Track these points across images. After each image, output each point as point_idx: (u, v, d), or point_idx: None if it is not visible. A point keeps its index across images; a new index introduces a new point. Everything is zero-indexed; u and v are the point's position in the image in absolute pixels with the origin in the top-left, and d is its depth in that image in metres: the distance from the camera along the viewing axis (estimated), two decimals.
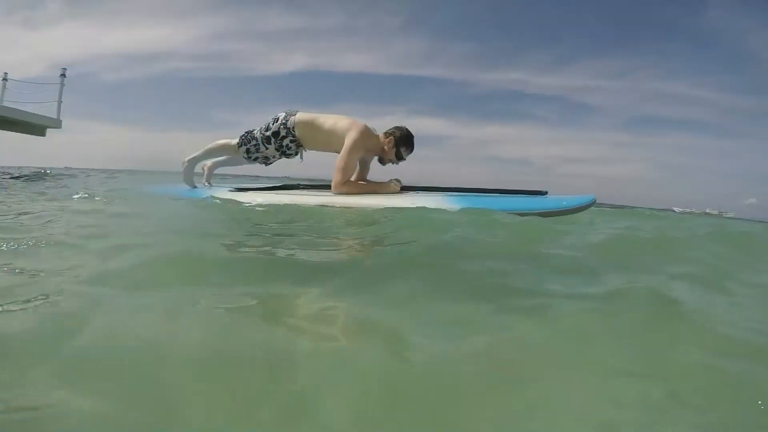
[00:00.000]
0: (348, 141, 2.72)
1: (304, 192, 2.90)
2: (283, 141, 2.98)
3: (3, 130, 10.34)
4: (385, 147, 2.85)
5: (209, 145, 3.24)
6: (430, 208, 2.37)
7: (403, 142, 2.85)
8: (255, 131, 3.06)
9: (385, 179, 2.92)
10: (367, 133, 2.81)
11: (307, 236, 1.80)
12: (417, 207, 2.41)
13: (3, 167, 11.12)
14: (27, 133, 10.80)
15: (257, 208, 2.64)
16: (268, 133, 2.99)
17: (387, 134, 2.87)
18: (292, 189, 2.97)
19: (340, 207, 2.56)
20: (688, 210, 36.40)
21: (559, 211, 2.29)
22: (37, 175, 7.30)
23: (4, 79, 10.42)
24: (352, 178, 2.93)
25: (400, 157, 2.88)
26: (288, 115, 2.97)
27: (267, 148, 3.03)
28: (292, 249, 1.46)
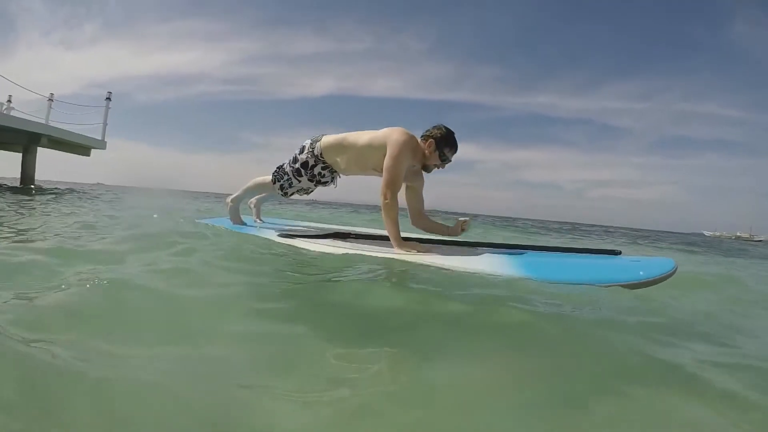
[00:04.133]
0: (393, 147, 2.40)
1: (358, 243, 2.57)
2: (314, 170, 2.76)
3: (52, 149, 10.89)
4: (426, 152, 2.54)
5: (247, 184, 3.17)
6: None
7: (445, 142, 2.53)
8: (285, 165, 2.86)
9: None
10: (411, 135, 2.50)
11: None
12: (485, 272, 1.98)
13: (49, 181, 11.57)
14: (73, 153, 11.33)
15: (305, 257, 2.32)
16: (296, 165, 2.77)
17: (425, 137, 2.55)
18: (343, 238, 2.68)
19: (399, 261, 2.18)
20: (718, 233, 35.25)
21: (637, 283, 1.88)
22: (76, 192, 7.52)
23: (50, 100, 11.05)
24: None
25: (444, 159, 2.58)
26: (314, 141, 2.74)
27: (300, 181, 2.82)
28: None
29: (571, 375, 0.95)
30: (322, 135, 2.75)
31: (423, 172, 2.70)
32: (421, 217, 2.77)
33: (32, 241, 2.30)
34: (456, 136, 2.58)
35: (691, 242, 8.82)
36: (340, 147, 2.65)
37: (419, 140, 2.55)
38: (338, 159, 2.68)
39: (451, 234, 2.68)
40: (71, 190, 10.54)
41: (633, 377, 0.94)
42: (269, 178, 2.95)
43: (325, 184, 2.86)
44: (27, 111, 10.34)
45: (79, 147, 11.16)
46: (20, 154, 10.64)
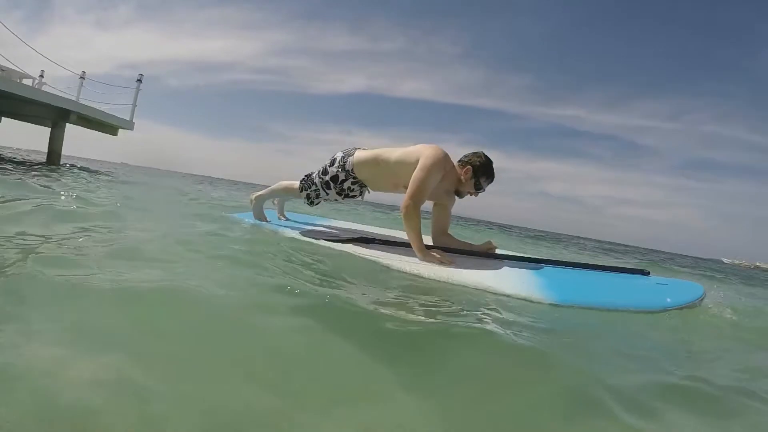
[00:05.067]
0: (425, 160, 2.33)
1: (382, 249, 2.49)
2: (344, 184, 2.70)
3: (80, 126, 11.10)
4: (462, 177, 2.49)
5: (274, 186, 3.13)
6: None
7: (483, 171, 2.48)
8: (314, 175, 2.82)
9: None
10: (446, 153, 2.43)
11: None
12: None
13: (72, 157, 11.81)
14: (101, 131, 11.55)
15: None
16: (326, 178, 2.72)
17: (463, 163, 2.50)
18: (367, 243, 2.59)
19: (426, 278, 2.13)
20: (737, 261, 34.90)
21: (662, 310, 1.86)
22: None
23: (82, 78, 11.28)
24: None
25: (479, 188, 2.53)
26: (346, 155, 2.67)
27: (327, 194, 2.78)
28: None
29: (579, 408, 0.96)
30: (355, 149, 2.69)
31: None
32: (445, 235, 2.70)
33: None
34: (482, 146, 2.54)
35: (714, 268, 8.72)
36: (373, 163, 2.59)
37: (456, 164, 2.51)
38: (370, 175, 2.64)
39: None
40: (103, 172, 10.75)
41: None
42: (296, 184, 2.91)
43: (353, 197, 2.80)
44: (58, 87, 10.60)
45: (108, 126, 11.38)
46: (48, 129, 10.88)
